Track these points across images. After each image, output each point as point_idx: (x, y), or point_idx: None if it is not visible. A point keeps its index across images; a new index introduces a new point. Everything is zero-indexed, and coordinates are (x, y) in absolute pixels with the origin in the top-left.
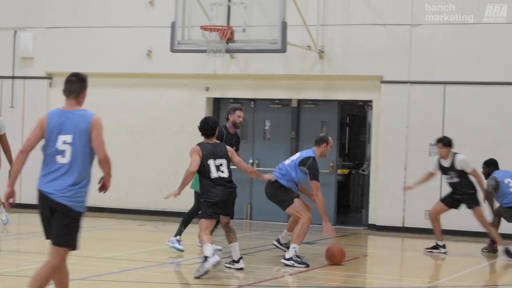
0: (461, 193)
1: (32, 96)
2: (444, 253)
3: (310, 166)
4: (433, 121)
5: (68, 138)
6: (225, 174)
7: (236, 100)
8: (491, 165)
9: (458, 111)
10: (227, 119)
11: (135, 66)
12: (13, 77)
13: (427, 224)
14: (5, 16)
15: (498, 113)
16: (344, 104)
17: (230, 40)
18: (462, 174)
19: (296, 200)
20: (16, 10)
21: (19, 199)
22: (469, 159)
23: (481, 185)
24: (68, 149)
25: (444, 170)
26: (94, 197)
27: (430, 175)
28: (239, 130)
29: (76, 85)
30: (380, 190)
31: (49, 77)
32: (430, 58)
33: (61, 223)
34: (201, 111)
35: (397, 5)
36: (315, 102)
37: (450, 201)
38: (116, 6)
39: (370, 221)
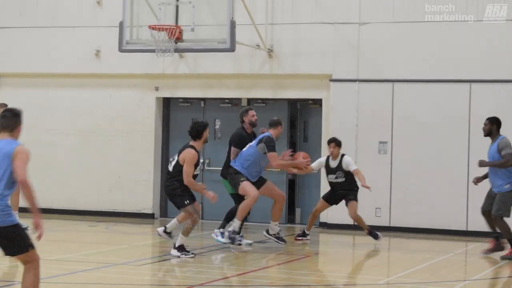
0: (344, 190)
1: None
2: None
3: (266, 141)
4: (382, 119)
5: None
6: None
7: (185, 100)
8: (494, 122)
9: (406, 109)
10: (243, 121)
11: (83, 66)
12: None
13: (379, 221)
14: None
15: (445, 110)
16: (293, 103)
17: (178, 39)
18: (348, 173)
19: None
20: None
21: None
22: (419, 156)
23: (363, 181)
24: None
25: (331, 170)
26: (44, 199)
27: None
28: None
29: (11, 121)
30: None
31: None
32: (378, 56)
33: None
34: (151, 111)
35: (345, 4)
36: (264, 101)
37: (333, 199)
38: (63, 6)
39: (322, 220)
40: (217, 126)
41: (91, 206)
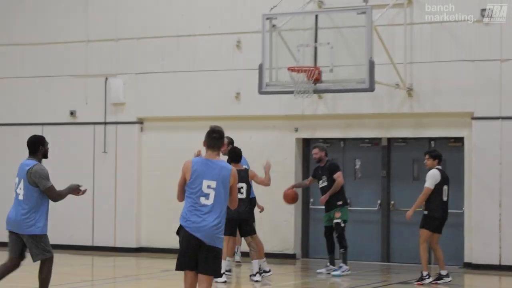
0: None
1: (124, 141)
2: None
3: None
4: None
5: (213, 183)
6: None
7: (325, 140)
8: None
9: None
10: None
11: (223, 109)
12: (105, 123)
13: None
14: (96, 64)
15: None
16: (434, 142)
17: (317, 80)
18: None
19: None
20: (107, 57)
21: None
22: None
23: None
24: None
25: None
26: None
27: None
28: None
29: (219, 141)
30: (475, 228)
31: (140, 122)
32: None
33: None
34: (291, 152)
35: (486, 41)
36: (405, 140)
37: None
38: (203, 50)
39: (466, 259)
40: (357, 166)
41: None
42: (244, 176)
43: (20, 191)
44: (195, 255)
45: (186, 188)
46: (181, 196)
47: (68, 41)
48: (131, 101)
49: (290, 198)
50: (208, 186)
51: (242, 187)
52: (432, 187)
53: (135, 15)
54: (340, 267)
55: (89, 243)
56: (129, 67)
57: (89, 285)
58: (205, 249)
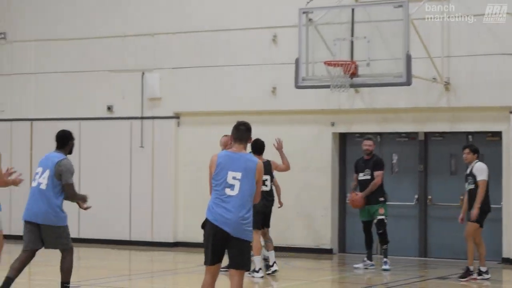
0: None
1: (160, 135)
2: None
3: None
4: None
5: (238, 174)
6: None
7: (361, 135)
8: None
9: None
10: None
11: (260, 103)
12: (142, 118)
13: None
14: (133, 58)
15: None
16: (472, 136)
17: (354, 74)
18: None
19: None
20: (143, 52)
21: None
22: None
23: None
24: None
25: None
26: None
27: None
28: None
29: (245, 134)
30: None
31: (176, 116)
32: None
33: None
34: (327, 147)
35: None
36: (442, 134)
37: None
38: (240, 45)
39: (504, 255)
40: (394, 161)
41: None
42: (268, 168)
43: (43, 181)
44: (222, 248)
45: (212, 181)
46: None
47: (105, 36)
48: (167, 95)
49: (359, 203)
50: (233, 177)
51: (266, 180)
52: (487, 178)
53: (172, 9)
54: (385, 262)
55: (126, 238)
56: (166, 61)
57: (127, 279)
58: (233, 242)
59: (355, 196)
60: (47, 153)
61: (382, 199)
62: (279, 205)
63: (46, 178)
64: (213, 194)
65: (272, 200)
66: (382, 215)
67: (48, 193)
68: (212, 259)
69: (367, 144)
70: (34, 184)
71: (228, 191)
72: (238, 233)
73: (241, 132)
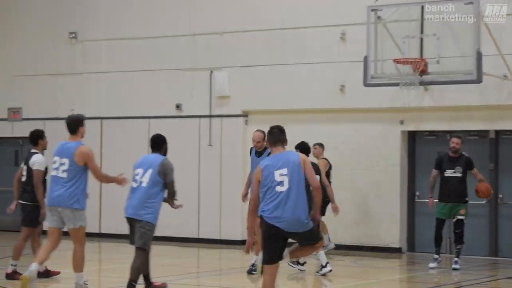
0: None
1: (229, 134)
2: None
3: None
4: None
5: (284, 171)
6: None
7: (431, 133)
8: None
9: None
10: None
11: (328, 101)
12: (210, 116)
13: None
14: (202, 57)
15: None
16: None
17: (423, 72)
18: None
19: None
20: (212, 50)
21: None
22: None
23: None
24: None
25: None
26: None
27: None
28: None
29: (281, 135)
30: None
31: (245, 115)
32: None
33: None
34: (396, 145)
35: None
36: None
37: None
38: (308, 43)
39: None
40: None
41: (338, 240)
42: (315, 167)
43: (145, 180)
44: (280, 246)
45: (260, 189)
46: (256, 203)
47: (174, 35)
48: (236, 94)
49: (486, 191)
50: (280, 174)
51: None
52: None
53: (240, 8)
54: (456, 262)
55: (194, 236)
56: (234, 60)
57: (195, 277)
58: (293, 236)
59: (484, 185)
60: (144, 155)
61: (467, 198)
62: (333, 211)
63: (148, 177)
64: (265, 197)
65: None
66: (464, 215)
67: (149, 191)
68: (273, 258)
69: (455, 142)
70: (134, 184)
71: (278, 188)
72: (294, 228)
73: (275, 135)
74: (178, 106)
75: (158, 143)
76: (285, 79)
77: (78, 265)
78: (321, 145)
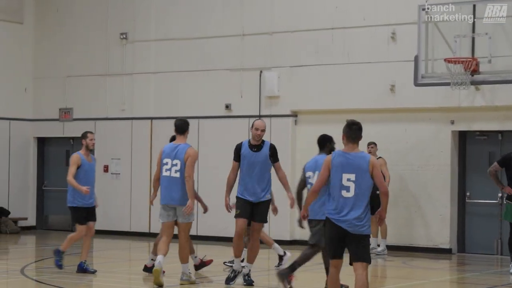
0: None
1: (278, 133)
2: None
3: None
4: None
5: (352, 176)
6: None
7: (482, 133)
8: None
9: None
10: None
11: (378, 101)
12: (259, 116)
13: None
14: (251, 57)
15: None
16: None
17: (475, 71)
18: None
19: None
20: (261, 50)
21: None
22: None
23: None
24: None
25: None
26: None
27: None
28: None
29: (358, 133)
30: None
31: (294, 115)
32: None
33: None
34: (446, 145)
35: None
36: None
37: None
38: (357, 42)
39: None
40: None
41: (388, 240)
42: None
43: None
44: (342, 243)
45: (331, 181)
46: (318, 189)
47: (224, 35)
48: (285, 94)
49: None
50: (348, 179)
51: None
52: None
53: (289, 8)
54: None
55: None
56: (283, 60)
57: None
58: (351, 238)
59: None
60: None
61: None
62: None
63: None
64: (331, 193)
65: None
66: None
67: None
68: (333, 252)
69: None
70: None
71: (344, 193)
72: (355, 230)
73: (354, 131)
74: (227, 106)
75: (322, 142)
76: (334, 79)
77: (185, 257)
78: (376, 144)
